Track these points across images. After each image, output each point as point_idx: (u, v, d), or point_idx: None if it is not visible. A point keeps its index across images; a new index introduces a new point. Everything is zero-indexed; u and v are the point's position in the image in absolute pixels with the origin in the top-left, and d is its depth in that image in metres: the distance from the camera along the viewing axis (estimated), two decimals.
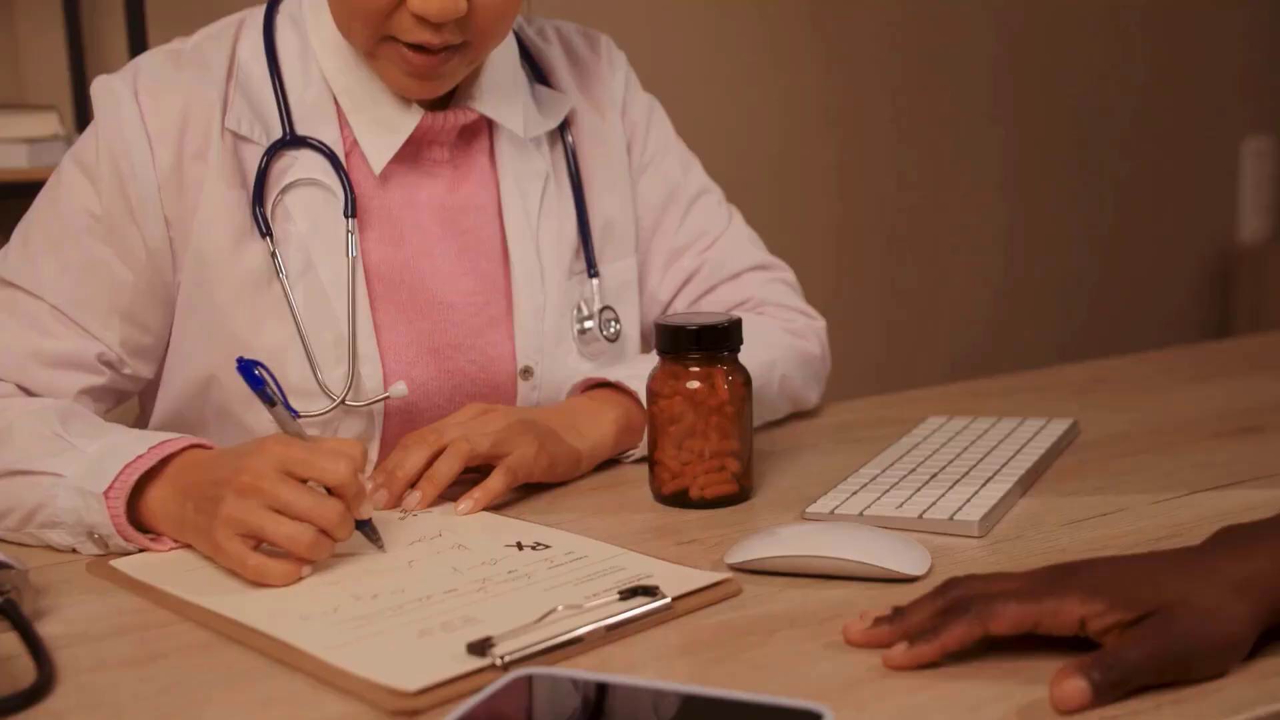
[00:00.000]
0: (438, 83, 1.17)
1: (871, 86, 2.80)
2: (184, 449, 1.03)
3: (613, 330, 1.29)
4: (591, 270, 1.30)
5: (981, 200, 2.98)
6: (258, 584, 0.94)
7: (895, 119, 2.83)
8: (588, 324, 1.29)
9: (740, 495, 1.11)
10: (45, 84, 2.09)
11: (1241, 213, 3.42)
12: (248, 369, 1.00)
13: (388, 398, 1.19)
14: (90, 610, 0.93)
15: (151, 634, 0.89)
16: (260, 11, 1.23)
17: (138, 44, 1.95)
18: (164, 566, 0.98)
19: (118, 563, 1.00)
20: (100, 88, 1.17)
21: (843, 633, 0.83)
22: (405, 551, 1.00)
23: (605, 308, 1.30)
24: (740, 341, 1.11)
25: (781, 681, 0.79)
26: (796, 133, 2.70)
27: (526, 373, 1.25)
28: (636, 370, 1.21)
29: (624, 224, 1.33)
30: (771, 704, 0.70)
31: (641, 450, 1.22)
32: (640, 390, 1.18)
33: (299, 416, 0.95)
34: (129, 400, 1.25)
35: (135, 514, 1.02)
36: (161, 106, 1.16)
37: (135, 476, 1.01)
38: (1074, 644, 0.79)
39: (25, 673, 0.82)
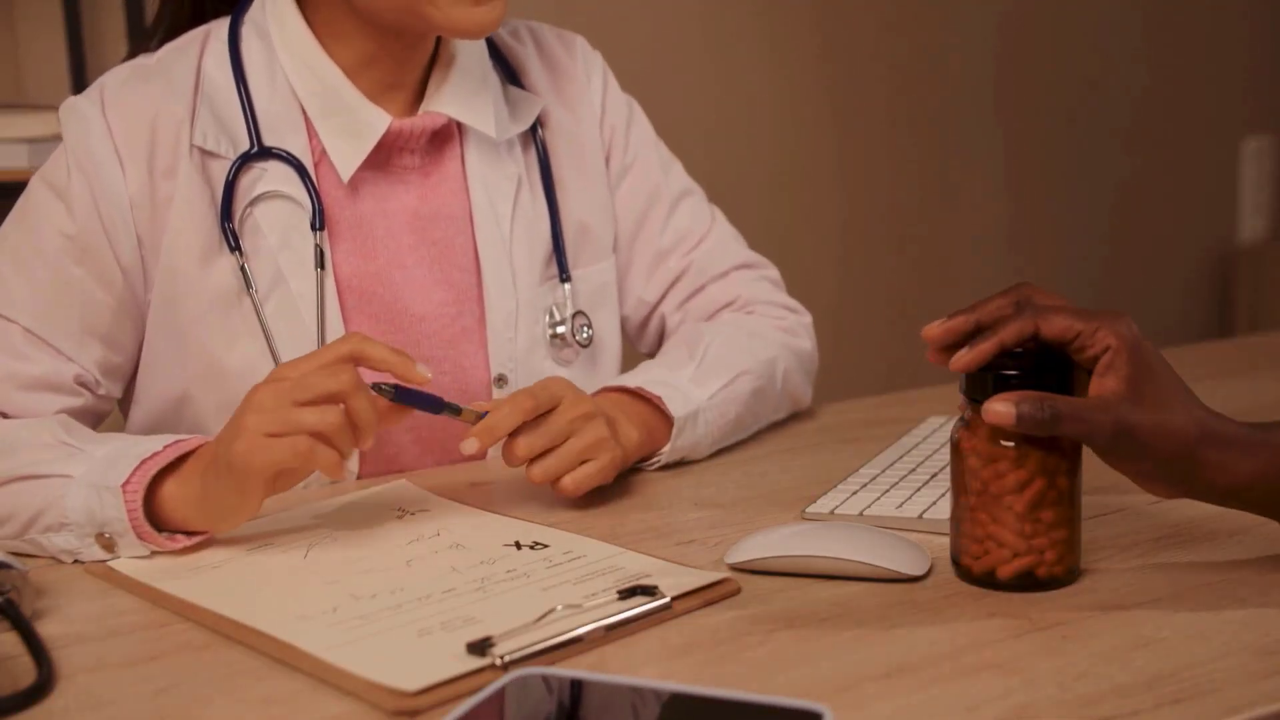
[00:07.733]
0: (498, 3, 1.14)
1: (872, 86, 2.79)
2: (198, 447, 1.03)
3: (585, 336, 1.29)
4: (564, 275, 1.29)
5: (982, 199, 2.98)
6: (312, 469, 0.99)
7: (895, 118, 2.83)
8: (560, 329, 1.28)
9: (1074, 574, 0.93)
10: (45, 84, 2.08)
11: (1241, 213, 3.42)
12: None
13: None
14: (90, 610, 0.93)
15: (151, 634, 0.89)
16: (225, 23, 1.22)
17: (138, 44, 1.95)
18: (164, 566, 0.98)
19: (117, 564, 1.00)
20: (68, 109, 1.17)
21: (923, 335, 0.90)
22: (403, 551, 1.00)
23: (578, 313, 1.29)
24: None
25: (781, 681, 0.79)
26: (797, 132, 2.70)
27: (500, 380, 1.24)
28: (651, 376, 1.21)
29: (599, 227, 1.32)
30: (771, 704, 0.70)
31: (666, 458, 1.20)
32: (666, 396, 1.18)
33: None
34: (104, 422, 1.23)
35: (150, 511, 1.01)
36: (129, 124, 1.15)
37: (153, 471, 1.00)
38: (1074, 644, 0.78)
39: (25, 673, 0.82)
